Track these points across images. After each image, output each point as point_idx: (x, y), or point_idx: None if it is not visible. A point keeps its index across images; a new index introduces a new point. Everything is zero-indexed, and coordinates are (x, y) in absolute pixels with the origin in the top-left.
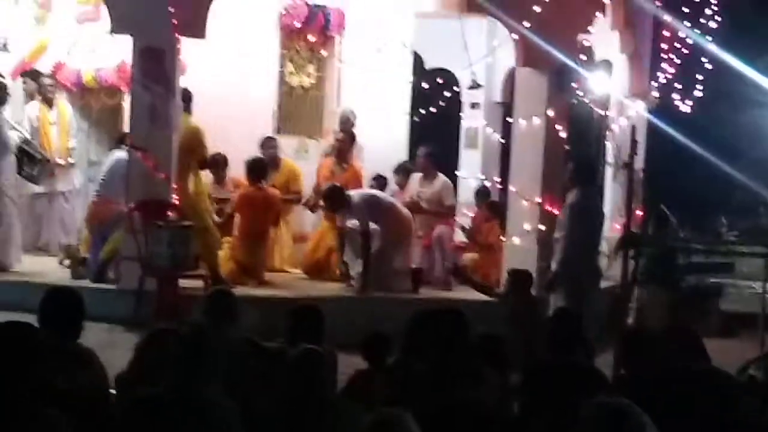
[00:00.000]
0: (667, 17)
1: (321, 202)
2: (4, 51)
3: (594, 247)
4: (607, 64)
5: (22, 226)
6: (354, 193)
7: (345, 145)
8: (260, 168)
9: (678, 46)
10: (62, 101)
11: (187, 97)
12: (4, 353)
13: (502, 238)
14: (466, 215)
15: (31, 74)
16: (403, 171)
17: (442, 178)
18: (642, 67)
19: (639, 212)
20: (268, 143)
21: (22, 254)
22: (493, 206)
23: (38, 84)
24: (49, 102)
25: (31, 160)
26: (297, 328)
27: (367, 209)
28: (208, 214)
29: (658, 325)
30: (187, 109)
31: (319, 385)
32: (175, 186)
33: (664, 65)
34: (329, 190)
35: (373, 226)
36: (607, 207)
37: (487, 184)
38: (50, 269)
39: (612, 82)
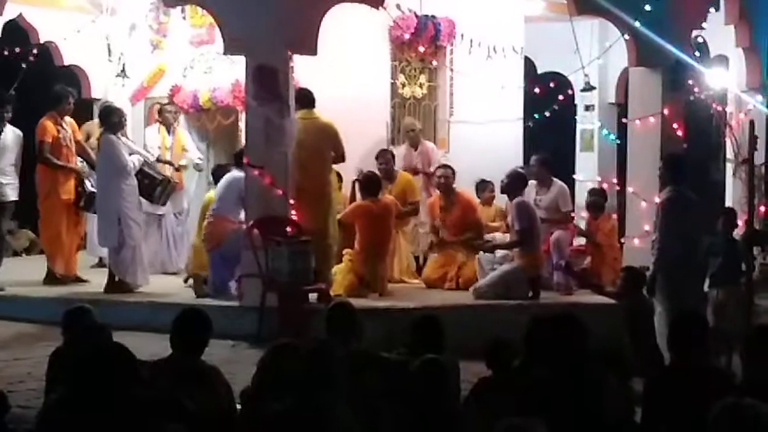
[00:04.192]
0: None
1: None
2: (123, 77)
3: (690, 245)
4: (723, 59)
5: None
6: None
7: (449, 181)
8: (373, 183)
9: None
10: (179, 127)
11: (306, 94)
12: (101, 374)
13: (611, 234)
14: (583, 218)
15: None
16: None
17: (558, 184)
18: (758, 60)
19: (762, 208)
20: (383, 156)
21: (149, 275)
22: (590, 205)
23: (161, 109)
24: (168, 127)
25: (152, 182)
26: (418, 339)
27: (526, 212)
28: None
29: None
30: (312, 105)
31: (442, 395)
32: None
33: None
34: (516, 173)
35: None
36: (728, 204)
37: (604, 186)
38: (174, 289)
39: (728, 77)
